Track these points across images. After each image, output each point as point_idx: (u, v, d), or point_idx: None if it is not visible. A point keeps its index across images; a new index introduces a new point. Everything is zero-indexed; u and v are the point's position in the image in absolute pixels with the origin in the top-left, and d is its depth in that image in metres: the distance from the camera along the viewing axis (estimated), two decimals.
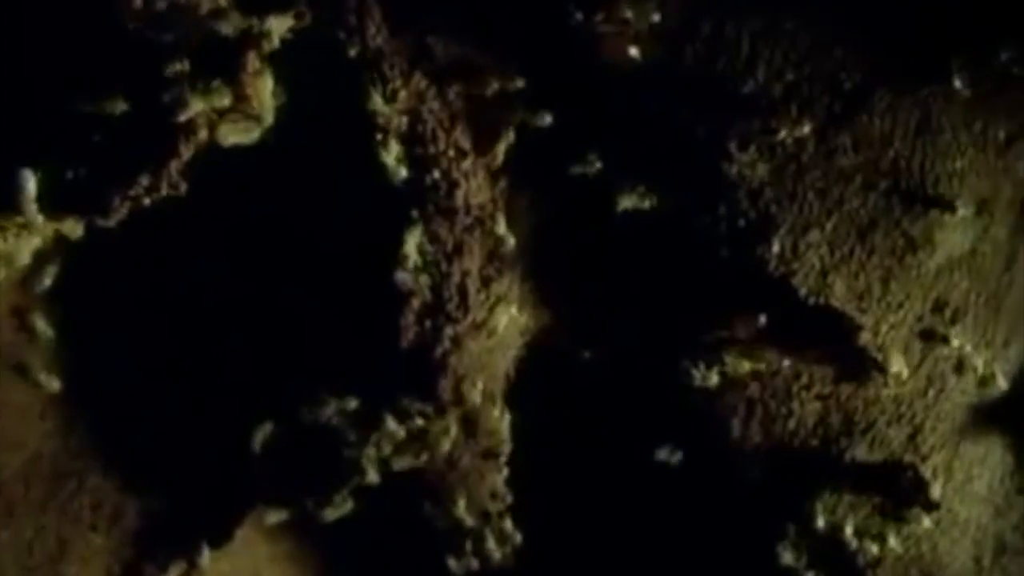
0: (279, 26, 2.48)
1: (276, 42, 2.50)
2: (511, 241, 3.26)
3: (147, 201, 2.48)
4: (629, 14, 3.03)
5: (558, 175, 3.35)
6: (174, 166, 2.43)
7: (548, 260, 3.44)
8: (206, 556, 3.26)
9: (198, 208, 2.97)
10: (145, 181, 2.43)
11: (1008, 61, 3.34)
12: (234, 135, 2.49)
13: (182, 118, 2.47)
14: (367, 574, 3.69)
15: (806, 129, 3.18)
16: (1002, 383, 3.96)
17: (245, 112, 2.46)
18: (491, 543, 3.45)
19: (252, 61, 2.48)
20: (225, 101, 2.51)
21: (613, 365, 3.64)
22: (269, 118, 2.59)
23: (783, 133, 3.18)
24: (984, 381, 3.91)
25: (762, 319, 3.52)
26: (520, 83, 3.08)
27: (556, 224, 3.40)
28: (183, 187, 2.51)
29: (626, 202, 3.29)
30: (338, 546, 3.61)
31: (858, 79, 3.24)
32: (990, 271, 3.74)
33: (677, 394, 3.70)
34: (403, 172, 3.14)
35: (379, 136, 3.07)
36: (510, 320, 3.44)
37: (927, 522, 3.96)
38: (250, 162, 3.01)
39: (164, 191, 2.48)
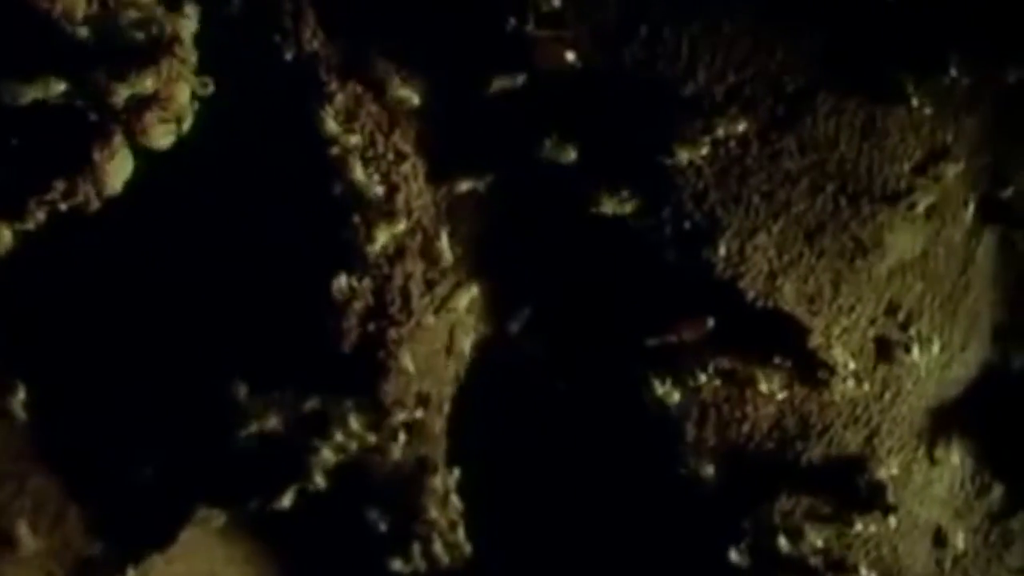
0: (190, 28, 2.41)
1: (190, 44, 2.43)
2: (449, 246, 3.17)
3: (63, 207, 2.42)
4: None
5: (505, 178, 3.27)
6: (91, 171, 2.38)
7: (497, 263, 3.36)
8: (155, 559, 3.21)
9: (133, 212, 2.92)
10: (61, 186, 2.38)
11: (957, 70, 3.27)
12: (153, 138, 2.44)
13: (99, 121, 2.42)
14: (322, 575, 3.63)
15: (740, 127, 3.09)
16: (958, 386, 3.86)
17: (163, 115, 2.40)
18: (438, 547, 3.40)
19: (171, 63, 2.43)
20: (144, 104, 2.45)
21: (564, 368, 3.56)
22: (187, 120, 2.53)
23: (720, 131, 3.09)
24: (940, 384, 3.81)
25: (710, 322, 3.43)
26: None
27: (505, 227, 3.32)
28: (105, 191, 2.45)
29: (607, 207, 3.23)
30: (294, 548, 3.55)
31: (801, 82, 3.18)
32: (945, 274, 3.66)
33: (631, 397, 3.61)
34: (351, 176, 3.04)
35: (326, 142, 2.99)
36: (458, 323, 3.36)
37: (886, 524, 3.84)
38: (188, 166, 2.96)
39: (81, 196, 2.42)
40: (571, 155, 3.11)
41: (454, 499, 3.48)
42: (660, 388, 3.48)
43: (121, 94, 2.33)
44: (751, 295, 3.40)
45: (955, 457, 3.96)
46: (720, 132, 3.14)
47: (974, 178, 3.66)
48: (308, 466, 3.26)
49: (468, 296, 3.34)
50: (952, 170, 3.47)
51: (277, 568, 3.61)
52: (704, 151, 3.17)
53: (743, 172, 3.24)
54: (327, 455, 3.25)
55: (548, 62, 3.00)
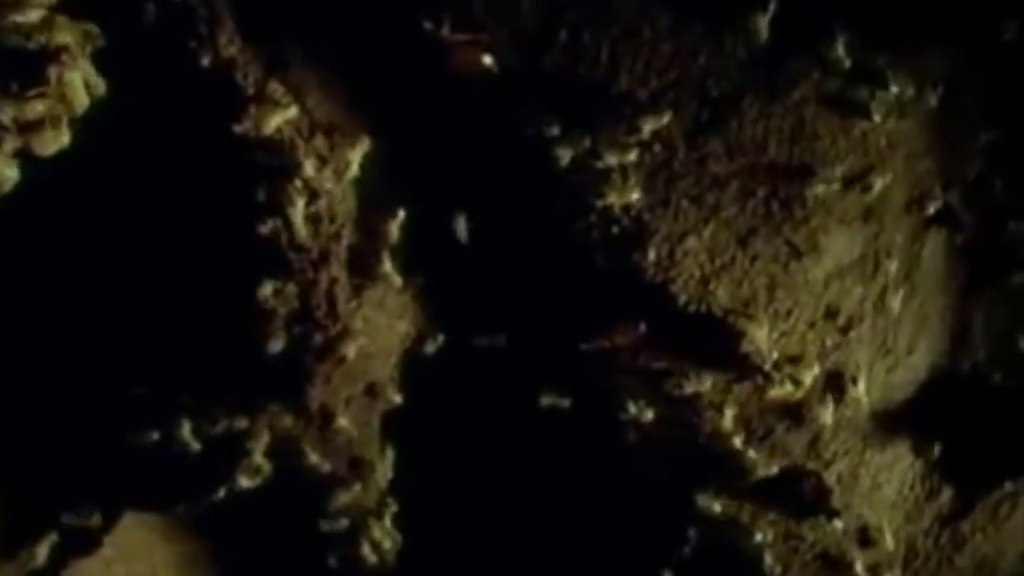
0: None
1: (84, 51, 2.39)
2: (377, 251, 3.12)
3: None
4: None
5: (433, 181, 3.21)
6: None
7: (426, 267, 3.31)
8: (89, 563, 3.18)
9: (47, 217, 2.89)
10: None
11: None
12: (41, 147, 2.40)
13: None
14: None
15: (665, 131, 3.02)
16: (906, 390, 3.77)
17: (55, 120, 2.36)
18: (366, 548, 3.36)
19: (61, 68, 2.38)
20: (37, 108, 2.41)
21: (497, 370, 3.51)
22: (78, 119, 2.49)
23: (645, 135, 3.02)
24: (885, 388, 3.73)
25: (642, 327, 3.36)
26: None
27: (433, 231, 3.26)
28: None
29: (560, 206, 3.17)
30: (235, 549, 3.52)
31: (725, 86, 3.08)
32: (887, 278, 3.56)
33: (569, 398, 3.56)
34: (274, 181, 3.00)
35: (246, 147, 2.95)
36: (388, 327, 3.31)
37: (833, 527, 3.77)
38: (107, 171, 2.93)
39: None
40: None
41: (390, 500, 3.42)
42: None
43: (8, 112, 2.28)
44: (683, 299, 3.32)
45: (904, 461, 3.85)
46: (645, 136, 3.04)
47: (917, 181, 3.55)
48: (237, 469, 3.18)
49: (400, 300, 3.25)
50: (886, 174, 3.34)
51: (218, 569, 3.56)
52: (630, 155, 3.07)
53: (670, 176, 3.17)
54: (257, 459, 3.18)
55: (464, 66, 2.93)
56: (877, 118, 3.28)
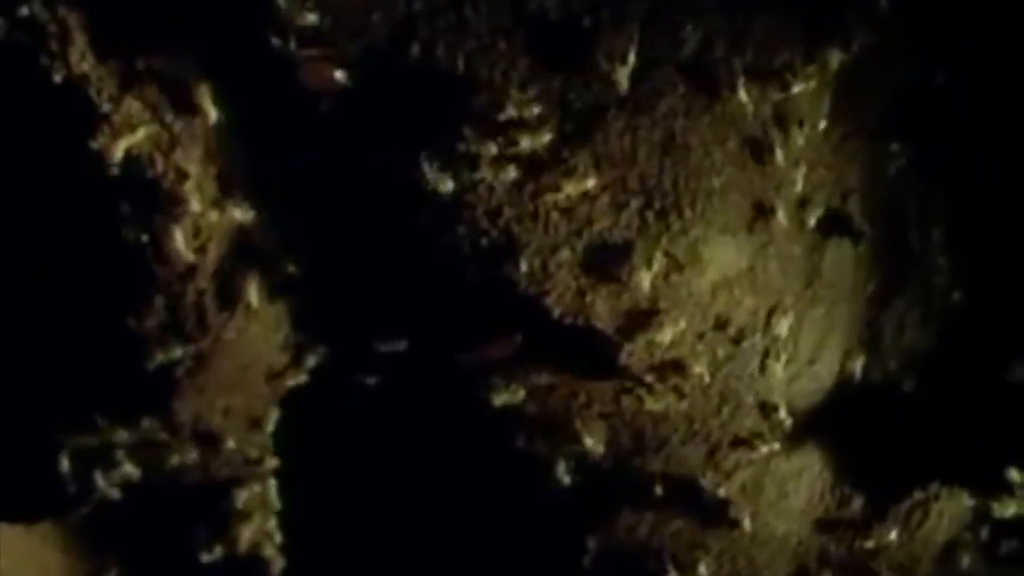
0: None
1: None
2: (242, 262, 3.09)
3: None
4: None
5: (305, 194, 3.17)
6: None
7: (299, 278, 3.27)
8: None
9: None
10: None
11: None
12: None
13: None
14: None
15: (527, 144, 2.94)
16: (810, 399, 3.69)
17: None
18: (250, 555, 3.34)
19: None
20: None
21: (396, 385, 3.48)
22: None
23: (505, 148, 2.95)
24: (787, 398, 3.64)
25: (518, 339, 3.30)
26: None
27: (312, 242, 3.23)
28: None
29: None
30: (126, 555, 3.53)
31: (588, 98, 2.99)
32: (782, 288, 3.47)
33: (457, 413, 3.51)
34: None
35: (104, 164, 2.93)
36: (263, 338, 3.28)
37: (738, 537, 3.70)
38: None
39: None
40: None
41: (273, 509, 3.40)
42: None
43: None
44: (558, 312, 3.24)
45: (813, 469, 3.76)
46: (505, 150, 2.96)
47: (812, 190, 3.44)
48: (109, 479, 3.18)
49: (281, 309, 3.22)
50: (770, 185, 3.24)
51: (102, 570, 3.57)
52: (491, 170, 3.00)
53: (537, 189, 3.07)
54: (128, 469, 3.18)
55: (316, 82, 2.87)
56: (757, 131, 3.14)
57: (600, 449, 3.52)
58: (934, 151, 3.63)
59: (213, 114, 2.96)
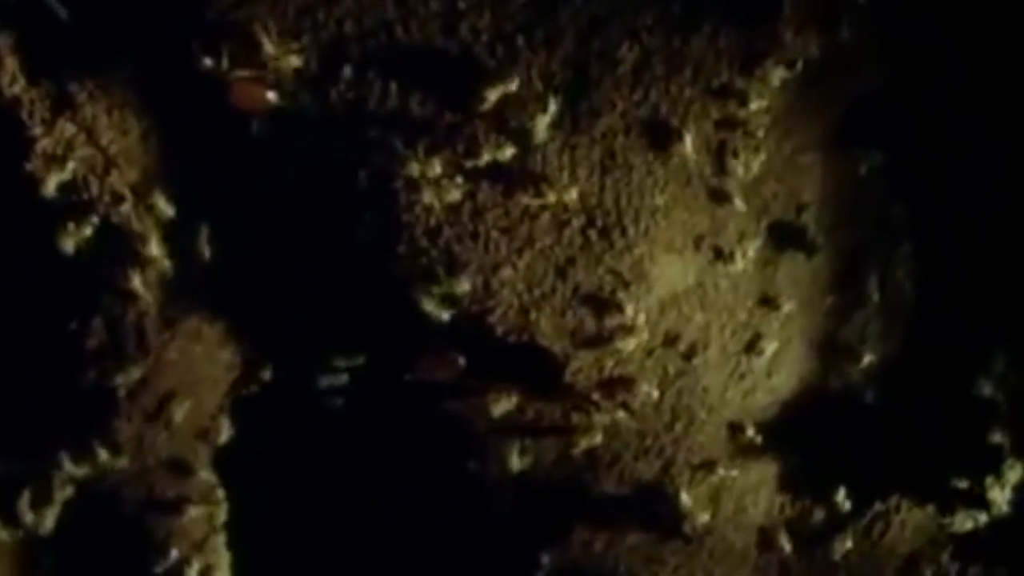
0: None
1: None
2: (180, 281, 3.06)
3: None
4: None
5: (242, 212, 3.14)
6: None
7: (248, 295, 3.24)
8: None
9: None
10: None
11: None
12: None
13: None
14: None
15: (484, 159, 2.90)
16: (768, 411, 3.63)
17: None
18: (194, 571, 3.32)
19: None
20: None
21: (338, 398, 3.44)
22: None
23: (439, 168, 2.91)
24: (743, 411, 3.59)
25: (461, 360, 3.26)
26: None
27: (248, 260, 3.19)
28: None
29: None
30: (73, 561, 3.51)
31: (523, 118, 2.94)
32: (734, 304, 3.42)
33: (409, 431, 3.48)
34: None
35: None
36: (208, 357, 3.25)
37: (695, 551, 3.66)
38: None
39: None
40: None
41: (222, 529, 3.37)
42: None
43: None
44: (501, 330, 3.19)
45: (771, 483, 3.70)
46: (439, 170, 2.92)
47: (763, 205, 3.38)
48: (50, 499, 3.16)
49: (219, 329, 3.19)
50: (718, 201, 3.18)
51: None
52: (429, 191, 2.96)
53: (476, 208, 3.03)
54: (64, 492, 3.16)
55: (247, 102, 2.83)
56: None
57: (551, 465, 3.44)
58: (893, 160, 3.54)
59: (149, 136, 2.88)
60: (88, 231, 2.99)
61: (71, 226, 2.98)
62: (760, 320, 3.49)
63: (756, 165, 3.22)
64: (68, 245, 2.99)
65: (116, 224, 3.02)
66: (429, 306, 3.12)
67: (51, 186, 2.94)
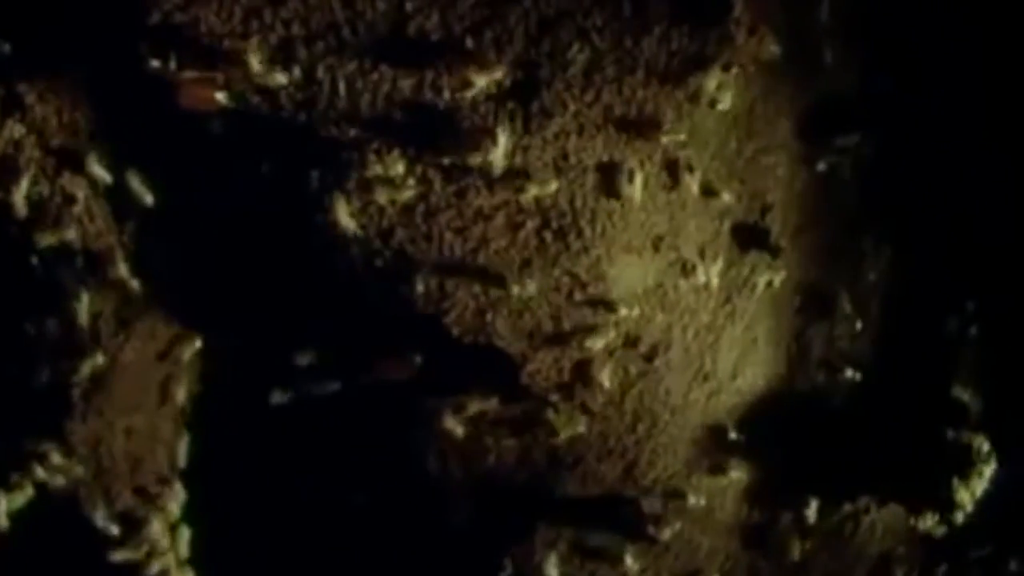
0: None
1: None
2: (134, 283, 3.04)
3: None
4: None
5: (196, 212, 3.11)
6: None
7: (204, 296, 3.22)
8: None
9: None
10: None
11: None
12: None
13: None
14: None
15: (400, 167, 2.87)
16: (733, 414, 3.60)
17: None
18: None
19: None
20: None
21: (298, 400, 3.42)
22: None
23: (388, 171, 2.88)
24: (706, 414, 3.55)
25: (417, 359, 3.23)
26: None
27: (203, 260, 3.17)
28: None
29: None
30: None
31: (476, 119, 2.91)
32: (697, 305, 3.38)
33: (366, 430, 3.45)
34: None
35: None
36: (163, 356, 3.24)
37: (661, 554, 3.63)
38: None
39: None
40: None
41: (182, 531, 3.35)
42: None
43: None
44: (457, 331, 3.16)
45: (738, 485, 3.67)
46: (388, 172, 2.89)
47: (725, 209, 3.34)
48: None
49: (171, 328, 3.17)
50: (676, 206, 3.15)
51: None
52: (382, 192, 2.93)
53: (428, 209, 3.00)
54: (28, 491, 3.14)
55: (196, 103, 2.80)
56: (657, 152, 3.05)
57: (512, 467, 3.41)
58: (860, 160, 3.50)
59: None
60: (46, 236, 2.92)
61: (23, 227, 2.92)
62: (724, 321, 3.44)
63: (714, 166, 3.15)
64: (21, 247, 2.94)
65: (68, 224, 2.95)
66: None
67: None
